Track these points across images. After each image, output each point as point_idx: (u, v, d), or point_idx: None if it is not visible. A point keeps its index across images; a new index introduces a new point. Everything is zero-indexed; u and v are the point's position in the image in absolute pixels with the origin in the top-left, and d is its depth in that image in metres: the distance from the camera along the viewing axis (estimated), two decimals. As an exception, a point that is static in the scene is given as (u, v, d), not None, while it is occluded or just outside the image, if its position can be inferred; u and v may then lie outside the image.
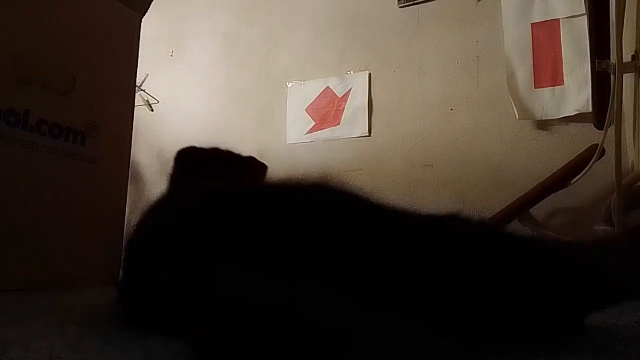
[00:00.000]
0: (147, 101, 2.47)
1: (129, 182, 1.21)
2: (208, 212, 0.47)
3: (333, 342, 0.25)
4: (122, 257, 0.61)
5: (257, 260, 0.39)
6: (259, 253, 0.39)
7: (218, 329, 0.31)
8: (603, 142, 1.27)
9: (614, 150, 1.06)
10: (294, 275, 0.36)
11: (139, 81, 2.23)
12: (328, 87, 2.21)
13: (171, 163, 0.83)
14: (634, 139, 1.38)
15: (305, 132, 2.21)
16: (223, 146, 0.86)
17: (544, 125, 1.79)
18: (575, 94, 1.72)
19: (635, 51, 1.12)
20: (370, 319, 0.29)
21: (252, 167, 0.85)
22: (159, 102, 2.50)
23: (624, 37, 1.03)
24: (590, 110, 1.49)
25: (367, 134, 2.08)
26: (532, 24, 1.83)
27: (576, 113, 1.71)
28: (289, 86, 2.30)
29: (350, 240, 0.41)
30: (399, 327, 0.29)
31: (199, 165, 0.79)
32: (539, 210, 1.63)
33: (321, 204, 0.47)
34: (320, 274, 0.36)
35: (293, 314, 0.29)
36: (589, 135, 1.62)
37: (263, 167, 0.86)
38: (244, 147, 0.89)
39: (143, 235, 0.56)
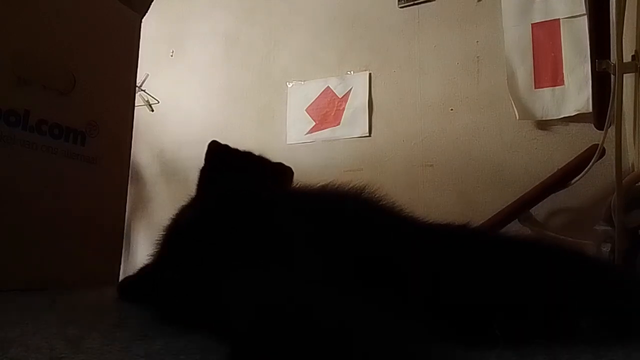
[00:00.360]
0: (147, 101, 2.47)
1: (129, 182, 1.21)
2: (244, 215, 0.49)
3: (337, 341, 0.25)
4: (158, 253, 0.61)
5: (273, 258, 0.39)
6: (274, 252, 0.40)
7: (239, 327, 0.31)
8: (603, 142, 1.27)
9: (614, 150, 1.06)
10: (303, 276, 0.36)
11: (139, 81, 2.23)
12: (328, 87, 2.21)
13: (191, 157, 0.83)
14: (634, 139, 1.38)
15: (305, 132, 2.21)
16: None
17: (544, 125, 1.79)
18: (575, 94, 1.72)
19: (635, 51, 1.12)
20: (373, 318, 0.29)
21: (281, 172, 0.86)
22: (159, 102, 2.50)
23: (624, 37, 1.03)
24: (590, 110, 1.49)
25: (367, 134, 2.08)
26: (532, 24, 1.83)
27: (576, 113, 1.71)
28: (289, 86, 2.30)
29: (358, 244, 0.42)
30: (400, 326, 0.29)
31: (231, 165, 0.80)
32: (539, 210, 1.63)
33: (336, 212, 0.48)
34: (327, 274, 0.36)
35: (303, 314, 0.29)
36: (589, 135, 1.62)
37: (290, 172, 0.87)
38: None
39: (180, 237, 0.57)
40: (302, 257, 0.40)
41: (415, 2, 2.08)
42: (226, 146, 0.84)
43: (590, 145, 1.48)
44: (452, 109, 1.94)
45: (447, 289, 0.41)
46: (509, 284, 0.42)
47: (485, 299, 0.41)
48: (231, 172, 0.78)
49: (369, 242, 0.44)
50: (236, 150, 0.84)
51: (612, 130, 1.09)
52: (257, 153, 0.88)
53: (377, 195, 0.55)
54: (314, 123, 2.20)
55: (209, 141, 0.84)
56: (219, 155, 0.82)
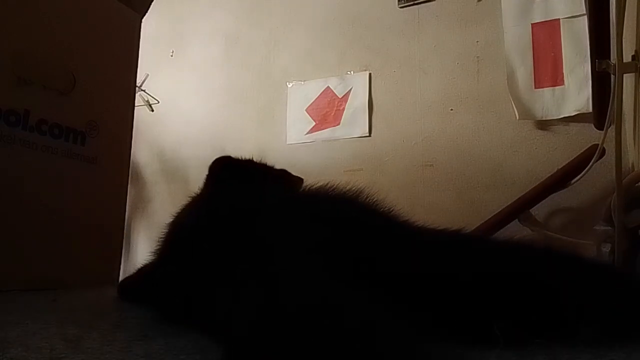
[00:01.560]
0: (147, 101, 2.47)
1: (129, 182, 1.21)
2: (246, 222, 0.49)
3: (338, 341, 0.25)
4: (160, 252, 0.61)
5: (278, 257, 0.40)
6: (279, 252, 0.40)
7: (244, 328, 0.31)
8: (603, 142, 1.27)
9: (614, 150, 1.06)
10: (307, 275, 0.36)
11: (139, 81, 2.23)
12: (328, 87, 2.21)
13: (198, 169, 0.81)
14: (634, 139, 1.38)
15: (305, 132, 2.21)
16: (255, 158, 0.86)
17: (544, 125, 1.79)
18: (575, 93, 1.72)
19: (635, 51, 1.12)
20: (373, 318, 0.29)
21: (286, 179, 0.85)
22: (159, 102, 2.50)
23: (624, 37, 1.03)
24: (590, 110, 1.49)
25: (367, 134, 2.08)
26: (532, 24, 1.83)
27: (576, 113, 1.71)
28: (289, 86, 2.30)
29: (357, 247, 0.42)
30: (399, 326, 0.29)
31: (234, 175, 0.79)
32: (539, 210, 1.63)
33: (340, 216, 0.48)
34: (326, 276, 0.36)
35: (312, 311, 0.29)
36: (589, 135, 1.62)
37: (298, 180, 0.86)
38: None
39: (182, 237, 0.57)
40: (301, 259, 0.40)
41: (415, 2, 2.08)
42: (228, 157, 0.82)
43: (590, 145, 1.48)
44: (452, 109, 1.94)
45: (447, 289, 0.41)
46: (508, 284, 0.42)
47: (485, 299, 0.41)
48: (235, 181, 0.77)
49: (368, 244, 0.44)
50: (238, 160, 0.82)
51: (612, 130, 1.09)
52: (258, 159, 0.87)
53: (374, 199, 0.55)
54: (314, 123, 2.20)
55: (213, 159, 0.81)
56: (222, 169, 0.80)
